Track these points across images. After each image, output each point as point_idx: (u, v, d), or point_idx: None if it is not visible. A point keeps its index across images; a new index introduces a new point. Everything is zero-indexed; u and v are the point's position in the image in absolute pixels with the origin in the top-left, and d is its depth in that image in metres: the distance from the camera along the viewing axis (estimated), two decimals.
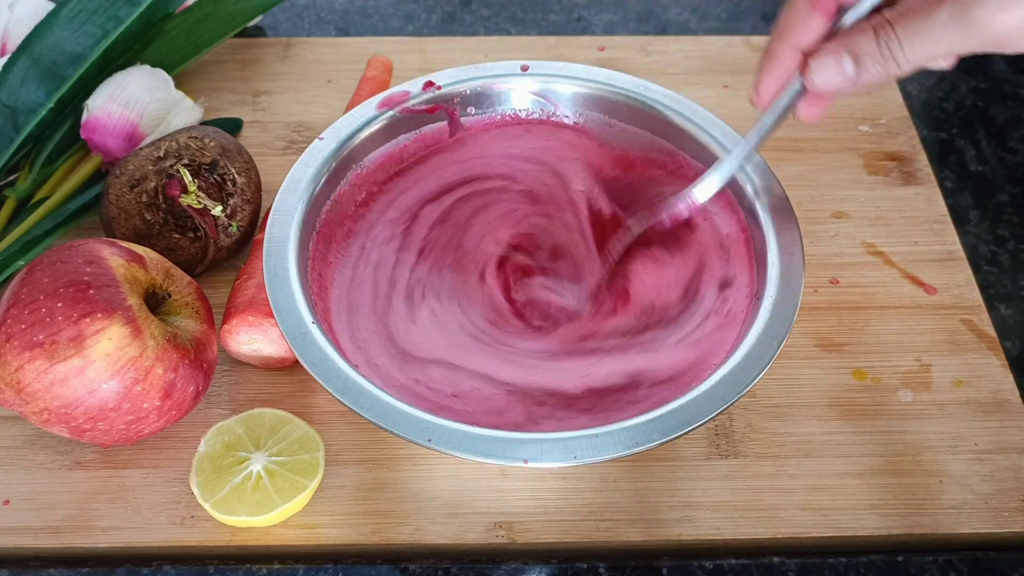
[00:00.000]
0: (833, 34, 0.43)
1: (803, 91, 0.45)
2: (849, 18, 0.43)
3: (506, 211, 0.58)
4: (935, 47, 0.39)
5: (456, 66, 0.61)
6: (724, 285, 0.53)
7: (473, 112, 0.61)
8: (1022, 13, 0.36)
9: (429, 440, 0.44)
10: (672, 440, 0.44)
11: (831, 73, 0.42)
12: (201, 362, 0.50)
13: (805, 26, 0.43)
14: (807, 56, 0.44)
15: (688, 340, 0.51)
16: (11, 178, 0.63)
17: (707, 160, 0.57)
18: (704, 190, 0.52)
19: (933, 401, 0.54)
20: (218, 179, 0.58)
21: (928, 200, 0.64)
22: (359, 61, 0.71)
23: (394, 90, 0.59)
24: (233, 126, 0.68)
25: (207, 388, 0.52)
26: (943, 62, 0.43)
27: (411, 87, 0.59)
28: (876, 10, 0.43)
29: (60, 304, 0.46)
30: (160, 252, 0.56)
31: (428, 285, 0.55)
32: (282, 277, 0.50)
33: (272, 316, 0.49)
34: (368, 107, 0.59)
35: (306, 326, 0.48)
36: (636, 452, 0.44)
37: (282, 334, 0.48)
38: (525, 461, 0.44)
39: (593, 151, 0.60)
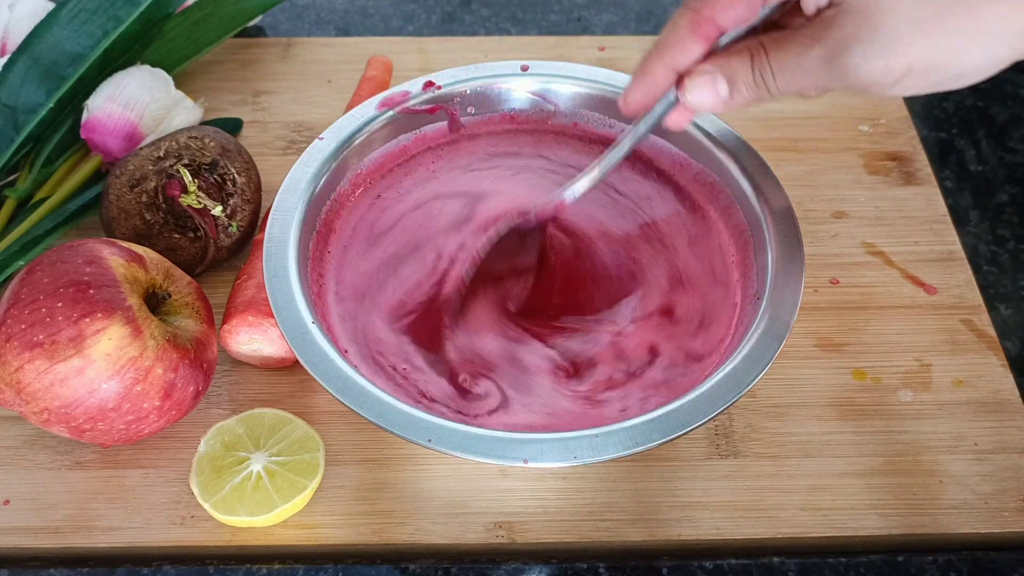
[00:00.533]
0: (712, 51, 0.44)
1: (676, 102, 0.46)
2: (726, 37, 0.44)
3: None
4: (805, 82, 0.41)
5: (456, 66, 0.61)
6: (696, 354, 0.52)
7: (473, 112, 0.61)
8: (883, 65, 0.39)
9: (429, 440, 0.44)
10: (672, 440, 0.44)
11: (705, 94, 0.44)
12: (201, 362, 0.50)
13: (684, 49, 0.44)
14: (683, 75, 0.44)
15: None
16: (11, 178, 0.63)
17: (704, 159, 0.57)
18: (574, 192, 0.51)
19: (933, 401, 0.54)
20: (218, 179, 0.58)
21: (928, 200, 0.64)
22: (359, 61, 0.71)
23: (394, 90, 0.59)
24: (233, 126, 0.68)
25: (207, 388, 0.51)
26: (813, 94, 0.44)
27: (411, 87, 0.59)
28: (755, 30, 0.44)
29: (60, 304, 0.46)
30: (160, 252, 0.56)
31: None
32: (282, 277, 0.50)
33: (272, 316, 0.49)
34: (368, 107, 0.59)
35: (306, 326, 0.48)
36: (636, 452, 0.44)
37: (282, 334, 0.48)
38: (525, 461, 0.44)
39: None
